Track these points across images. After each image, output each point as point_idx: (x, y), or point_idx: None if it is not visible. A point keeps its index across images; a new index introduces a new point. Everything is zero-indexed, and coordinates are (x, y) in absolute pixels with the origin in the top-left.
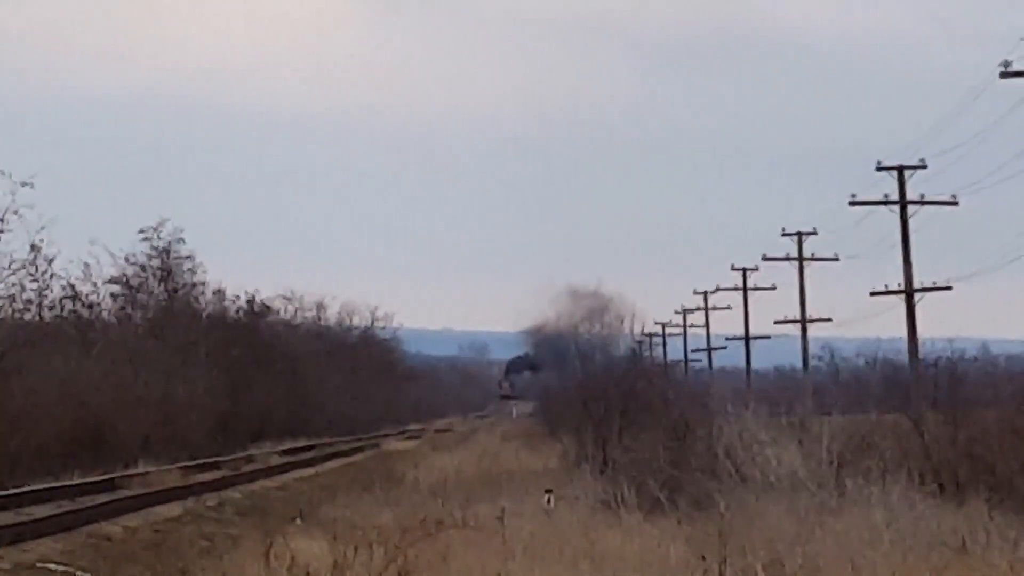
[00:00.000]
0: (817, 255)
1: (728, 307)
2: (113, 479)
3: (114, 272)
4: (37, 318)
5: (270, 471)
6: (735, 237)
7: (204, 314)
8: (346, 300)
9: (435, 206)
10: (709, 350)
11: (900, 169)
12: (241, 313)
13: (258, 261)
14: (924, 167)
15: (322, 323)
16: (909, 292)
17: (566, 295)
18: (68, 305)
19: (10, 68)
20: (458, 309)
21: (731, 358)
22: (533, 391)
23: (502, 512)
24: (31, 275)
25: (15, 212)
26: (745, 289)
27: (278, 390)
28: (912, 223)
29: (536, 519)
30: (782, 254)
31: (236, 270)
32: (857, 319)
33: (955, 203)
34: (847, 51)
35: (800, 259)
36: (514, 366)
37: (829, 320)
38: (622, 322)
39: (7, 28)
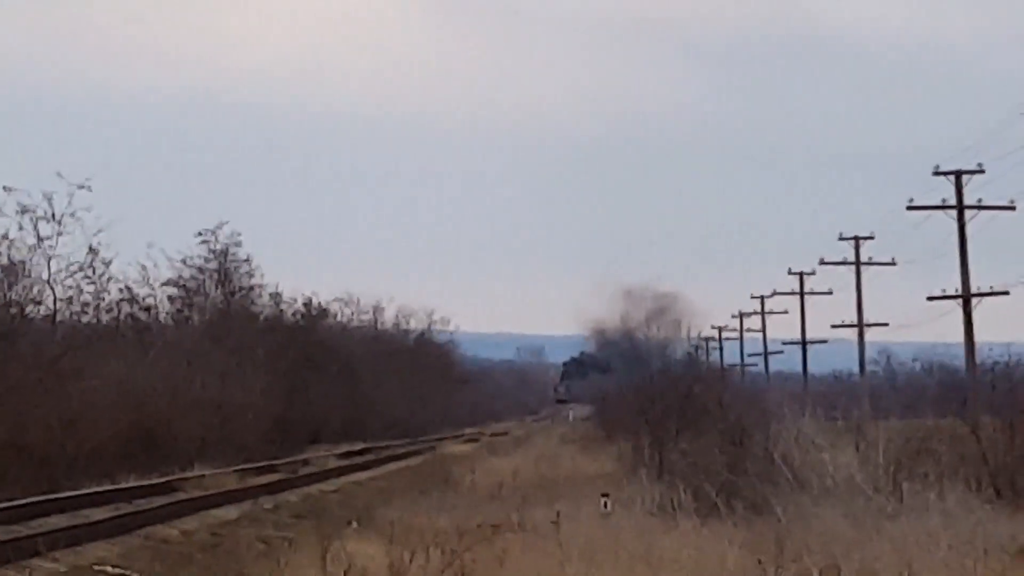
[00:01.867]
0: (874, 259)
1: (785, 311)
2: (170, 481)
3: (171, 275)
4: (94, 320)
5: (327, 474)
6: (792, 241)
7: (261, 317)
8: (403, 303)
9: (493, 209)
10: (766, 354)
11: (958, 174)
12: (298, 316)
13: (315, 264)
14: (982, 172)
15: (379, 326)
16: (966, 297)
17: (626, 295)
18: (125, 307)
19: (68, 69)
20: (514, 312)
21: (788, 362)
22: (589, 395)
23: (558, 516)
24: (88, 278)
25: (72, 215)
26: (802, 293)
27: (335, 393)
28: (969, 228)
29: (592, 523)
30: (839, 258)
31: (293, 273)
32: (914, 324)
33: (1012, 208)
34: (906, 55)
35: (857, 263)
36: (569, 370)
37: (886, 325)
38: (679, 325)
39: (66, 29)
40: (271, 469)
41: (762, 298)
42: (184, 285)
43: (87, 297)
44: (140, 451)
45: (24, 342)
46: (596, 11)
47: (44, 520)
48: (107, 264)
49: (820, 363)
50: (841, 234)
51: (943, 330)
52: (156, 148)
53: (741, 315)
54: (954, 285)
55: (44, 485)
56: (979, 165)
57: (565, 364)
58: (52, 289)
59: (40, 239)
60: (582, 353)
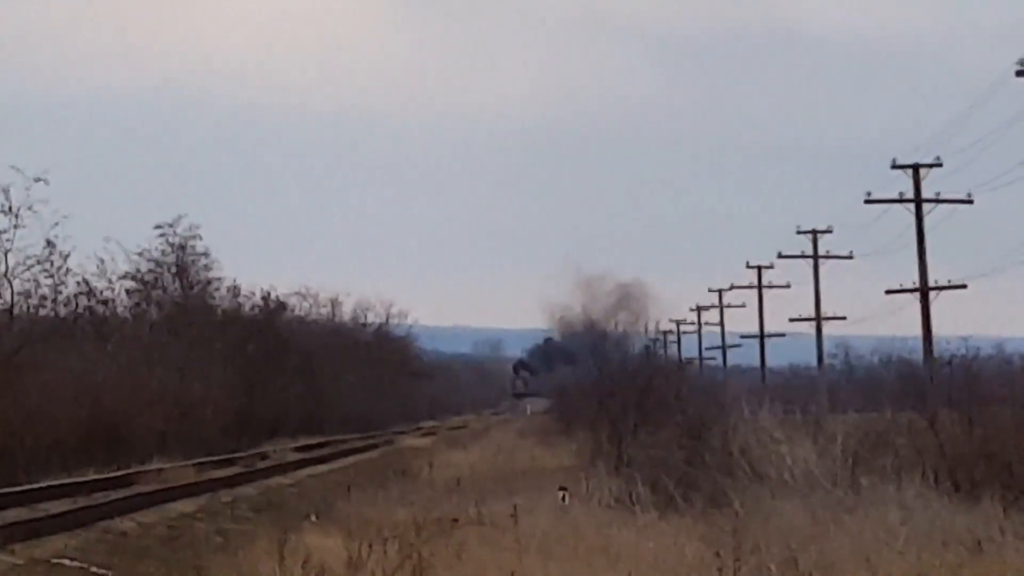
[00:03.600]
0: (832, 253)
1: (743, 305)
2: (128, 475)
3: (129, 268)
4: (52, 314)
5: (285, 468)
6: (750, 235)
7: (219, 310)
8: (361, 297)
9: (449, 203)
10: (724, 348)
11: (915, 167)
12: (256, 310)
13: (273, 258)
14: (940, 165)
15: (337, 320)
16: (924, 290)
17: (587, 285)
18: (83, 301)
19: (24, 64)
20: (472, 306)
21: (746, 356)
22: (546, 388)
23: (516, 509)
24: (46, 271)
25: (30, 208)
26: (760, 287)
27: (293, 387)
28: (927, 221)
29: (551, 516)
30: (797, 252)
31: (251, 267)
32: (872, 317)
33: (970, 201)
34: (863, 49)
35: (815, 257)
36: (531, 362)
37: (844, 318)
38: (641, 315)
39: (19, 25)
40: (229, 463)
41: (720, 291)
42: (142, 279)
43: (44, 291)
44: (98, 445)
45: None
46: (554, 7)
47: (2, 513)
48: (64, 258)
49: (778, 356)
50: (799, 227)
51: (901, 324)
52: (113, 142)
53: (699, 308)
54: (912, 278)
55: (2, 478)
56: (937, 158)
57: (519, 360)
58: (9, 283)
59: None
60: (547, 340)
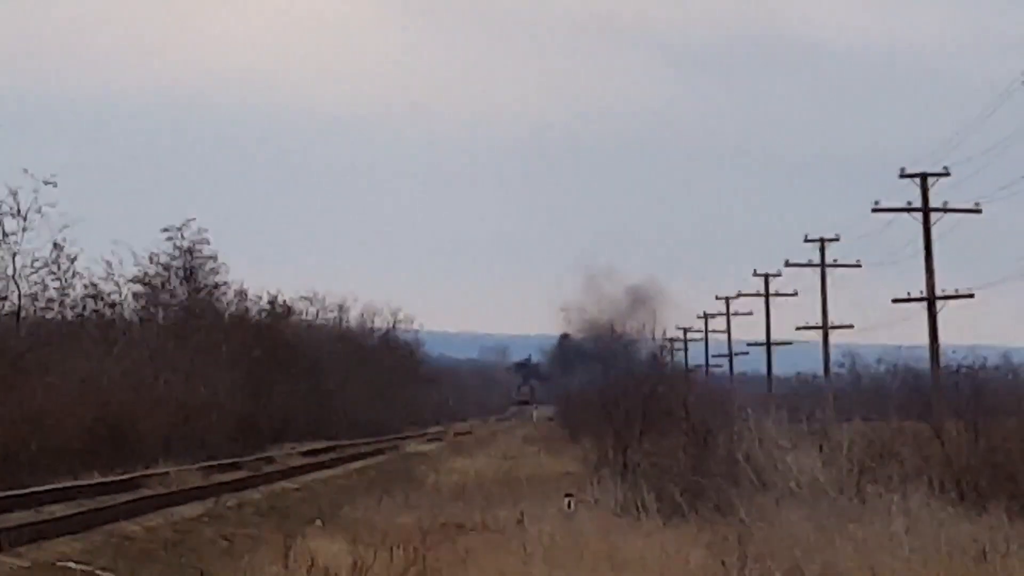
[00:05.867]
0: (840, 261)
1: (750, 313)
2: (134, 478)
3: (137, 271)
4: (59, 317)
5: (290, 472)
6: (758, 243)
7: (226, 314)
8: (368, 302)
9: (458, 208)
10: (731, 355)
11: (923, 176)
12: (263, 314)
13: (280, 262)
14: (947, 175)
15: (344, 325)
16: (931, 299)
17: (599, 287)
18: (90, 304)
19: (33, 67)
20: (479, 311)
21: (752, 364)
22: (550, 395)
23: (522, 516)
24: (53, 274)
25: (38, 211)
26: (767, 295)
27: (299, 391)
28: (935, 231)
29: (556, 523)
30: (805, 260)
31: (258, 271)
32: (879, 326)
33: (978, 211)
34: (872, 59)
35: (823, 265)
36: (533, 366)
37: (851, 327)
38: (654, 319)
39: (27, 27)
40: (235, 467)
41: (727, 299)
42: (149, 282)
43: (52, 293)
44: (104, 448)
45: None
46: (565, 12)
47: (7, 516)
48: (72, 260)
49: (785, 365)
50: (807, 236)
51: (908, 332)
52: (122, 145)
53: (706, 316)
54: (919, 287)
55: (7, 481)
56: (945, 168)
57: (518, 364)
58: (17, 285)
59: (5, 235)
60: (563, 338)
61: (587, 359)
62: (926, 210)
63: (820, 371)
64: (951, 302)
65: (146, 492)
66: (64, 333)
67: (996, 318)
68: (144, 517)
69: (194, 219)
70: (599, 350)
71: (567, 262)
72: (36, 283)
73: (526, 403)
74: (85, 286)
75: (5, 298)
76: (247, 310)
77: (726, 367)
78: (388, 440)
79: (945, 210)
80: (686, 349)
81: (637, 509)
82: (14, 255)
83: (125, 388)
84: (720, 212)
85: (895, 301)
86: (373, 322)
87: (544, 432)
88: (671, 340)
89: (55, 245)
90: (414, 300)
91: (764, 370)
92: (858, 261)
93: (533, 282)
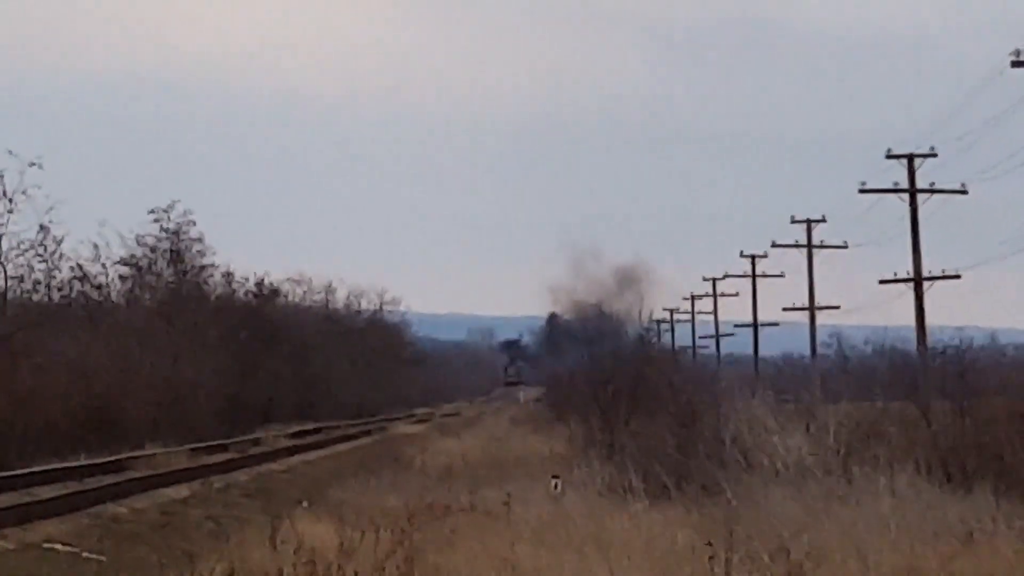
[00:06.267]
0: (826, 242)
1: (736, 294)
2: (120, 460)
3: (123, 253)
4: (46, 299)
5: (277, 454)
6: (744, 224)
7: (213, 296)
8: (355, 284)
9: (446, 190)
10: (717, 337)
11: (910, 157)
12: (250, 296)
13: (267, 244)
14: (934, 155)
15: (330, 307)
16: (918, 280)
17: (587, 268)
18: (77, 286)
19: (20, 50)
20: (466, 293)
21: (739, 345)
22: (538, 376)
23: (509, 497)
24: (40, 256)
25: (24, 192)
26: (754, 276)
27: (286, 373)
28: (921, 211)
29: (543, 504)
30: (791, 241)
31: (245, 253)
32: (866, 307)
33: (965, 192)
34: (859, 40)
35: (809, 246)
36: (513, 349)
37: (838, 308)
38: (643, 301)
39: (14, 10)
40: (222, 449)
41: (714, 280)
42: (136, 264)
43: (38, 275)
44: (91, 430)
45: None
46: None
47: None
48: (58, 242)
49: (771, 346)
50: (793, 217)
51: (895, 313)
52: (109, 127)
53: (693, 297)
54: (906, 268)
55: None
56: (931, 149)
57: (515, 346)
58: (3, 267)
59: None
60: (552, 317)
61: (575, 340)
62: (913, 191)
63: (807, 352)
64: (938, 283)
65: (133, 474)
66: (51, 315)
67: (983, 299)
68: (131, 499)
69: (180, 201)
70: (587, 331)
71: (555, 243)
72: (22, 265)
73: (513, 384)
74: (72, 268)
75: None
76: (234, 292)
77: (713, 348)
78: (375, 422)
79: (932, 191)
80: (673, 330)
81: (624, 490)
82: (0, 237)
83: (112, 370)
84: (707, 194)
85: (882, 282)
86: (360, 304)
87: (531, 413)
88: (658, 321)
89: (41, 227)
90: (401, 282)
91: (751, 351)
92: (845, 242)
93: (521, 263)
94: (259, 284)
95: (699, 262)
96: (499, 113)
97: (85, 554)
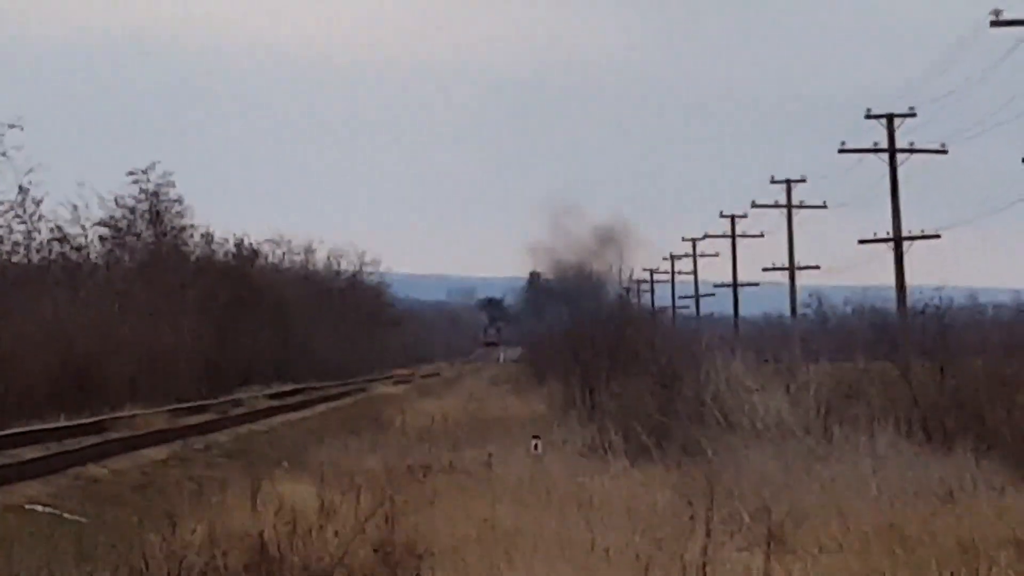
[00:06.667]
0: (806, 203)
1: (716, 254)
2: (100, 422)
3: (103, 215)
4: (25, 260)
5: (257, 415)
6: (724, 184)
7: (192, 257)
8: (334, 244)
9: (427, 151)
10: (697, 297)
11: (890, 117)
12: (229, 257)
13: (247, 205)
14: (914, 115)
15: (310, 267)
16: (898, 240)
17: (567, 226)
18: (56, 247)
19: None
20: (447, 254)
21: (719, 305)
22: (518, 337)
23: (489, 457)
24: (19, 217)
25: (3, 154)
26: (733, 236)
27: (266, 334)
28: (901, 172)
29: (524, 464)
30: (771, 201)
31: (225, 214)
32: (846, 267)
33: (944, 151)
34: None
35: (789, 206)
36: (493, 308)
37: (817, 268)
38: (622, 260)
39: None
40: (202, 409)
41: (694, 241)
42: (115, 225)
43: (18, 237)
44: (71, 391)
45: None
46: None
47: None
48: (38, 204)
49: (751, 306)
50: (773, 177)
51: (875, 273)
52: (87, 88)
53: (672, 257)
54: (886, 228)
55: None
56: (911, 109)
57: (484, 301)
58: None
59: None
60: (532, 277)
61: (556, 300)
62: (892, 151)
63: (787, 312)
64: (917, 243)
65: (113, 435)
66: (30, 277)
67: (963, 259)
68: (111, 460)
69: (159, 162)
70: (567, 291)
71: (535, 203)
72: (2, 227)
73: (493, 345)
74: (51, 229)
75: None
76: (213, 253)
77: (692, 309)
78: (355, 383)
79: (911, 151)
80: (652, 291)
81: (604, 450)
82: None
83: (91, 331)
84: (687, 155)
85: (862, 242)
86: (340, 265)
87: (511, 374)
88: (638, 282)
89: (20, 189)
90: (381, 242)
91: (731, 312)
92: (824, 202)
93: (501, 224)
94: (239, 245)
95: (679, 223)
96: (479, 73)
97: (66, 515)
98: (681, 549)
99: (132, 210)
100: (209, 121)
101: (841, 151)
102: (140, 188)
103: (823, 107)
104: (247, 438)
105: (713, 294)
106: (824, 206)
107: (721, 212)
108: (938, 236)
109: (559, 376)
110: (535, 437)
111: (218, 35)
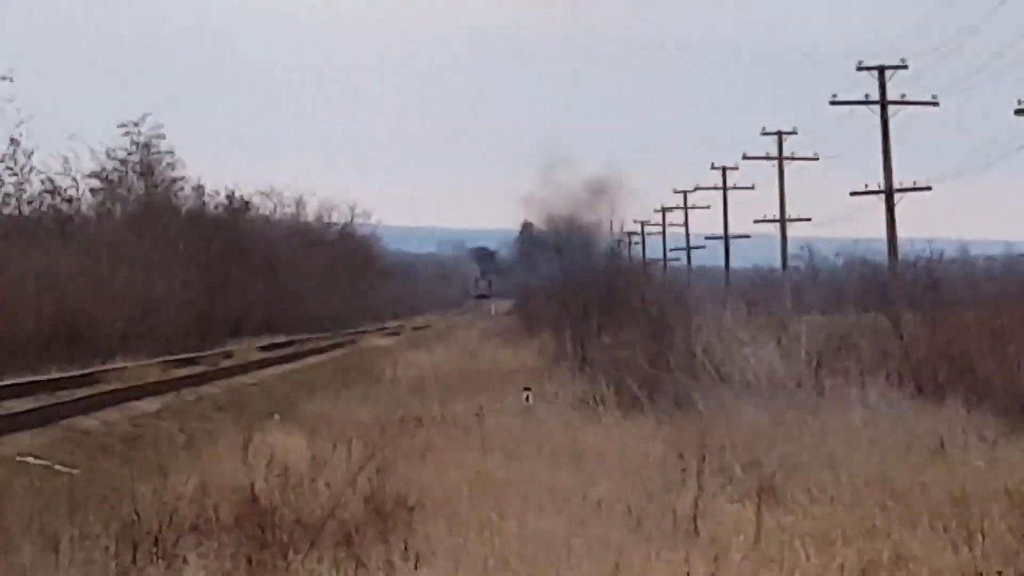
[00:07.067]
0: (797, 155)
1: (708, 206)
2: (91, 373)
3: (94, 167)
4: (16, 212)
5: (248, 367)
6: (715, 136)
7: (183, 209)
8: (325, 196)
9: (419, 102)
10: (688, 249)
11: (881, 69)
12: (220, 209)
13: (238, 157)
14: (905, 67)
15: (301, 219)
16: (889, 192)
17: (559, 177)
18: (47, 199)
19: None
20: (438, 205)
21: (710, 257)
22: (509, 289)
23: (481, 409)
24: (10, 169)
25: None
26: (725, 188)
27: (257, 286)
28: (892, 124)
29: (515, 416)
30: (762, 153)
31: (216, 166)
32: (837, 219)
33: (935, 103)
34: None
35: (780, 158)
36: (485, 259)
37: (809, 220)
38: (613, 212)
39: None
40: (193, 361)
41: (685, 193)
42: (107, 177)
43: (9, 189)
44: (62, 343)
45: None
46: None
47: None
48: (29, 156)
49: (743, 258)
50: (764, 129)
51: (866, 226)
52: (78, 39)
53: (664, 209)
54: (877, 180)
55: None
56: (902, 61)
57: (476, 251)
58: None
59: None
60: (525, 226)
61: (547, 251)
62: (883, 103)
63: (778, 264)
64: (909, 195)
65: (104, 387)
66: (21, 229)
67: (953, 211)
68: (102, 412)
69: (150, 114)
70: (558, 243)
71: (527, 154)
72: None
73: (484, 297)
74: (42, 182)
75: None
76: (204, 205)
77: (683, 261)
78: (346, 335)
79: (902, 103)
80: (644, 243)
81: (596, 403)
82: None
83: (82, 283)
84: (678, 106)
85: (853, 194)
86: (331, 217)
87: (503, 326)
88: (629, 233)
89: (12, 140)
90: (372, 194)
91: (722, 264)
92: (816, 154)
93: (493, 175)
94: (230, 197)
95: (670, 175)
96: (470, 22)
97: (58, 467)
98: (673, 501)
99: (123, 162)
100: (200, 73)
101: (832, 103)
102: (132, 140)
103: (815, 60)
104: (238, 390)
105: (704, 246)
106: (815, 158)
107: (712, 164)
108: (929, 188)
109: (551, 329)
110: (526, 389)
111: None
